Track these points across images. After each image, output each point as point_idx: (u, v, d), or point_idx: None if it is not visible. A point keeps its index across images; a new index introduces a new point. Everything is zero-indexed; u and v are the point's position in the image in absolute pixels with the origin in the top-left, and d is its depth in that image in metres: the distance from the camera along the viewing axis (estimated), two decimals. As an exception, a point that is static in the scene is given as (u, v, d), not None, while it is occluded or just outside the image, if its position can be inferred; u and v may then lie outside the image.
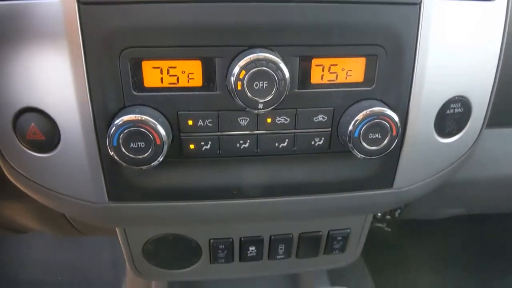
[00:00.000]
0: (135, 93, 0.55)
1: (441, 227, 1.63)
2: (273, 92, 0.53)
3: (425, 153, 0.65)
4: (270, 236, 0.86)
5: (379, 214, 1.03)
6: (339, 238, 0.88)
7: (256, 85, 0.52)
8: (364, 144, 0.57)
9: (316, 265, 0.94)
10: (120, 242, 0.84)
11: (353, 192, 0.67)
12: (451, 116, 0.63)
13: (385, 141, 0.58)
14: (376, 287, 1.41)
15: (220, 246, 0.85)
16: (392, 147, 0.58)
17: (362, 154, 0.58)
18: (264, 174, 0.64)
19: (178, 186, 0.63)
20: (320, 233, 0.87)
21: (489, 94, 0.65)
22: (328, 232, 0.87)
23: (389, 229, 1.14)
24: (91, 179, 0.60)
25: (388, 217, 1.02)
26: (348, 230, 0.88)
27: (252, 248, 0.86)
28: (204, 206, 0.65)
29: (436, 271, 1.64)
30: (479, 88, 0.64)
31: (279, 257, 0.89)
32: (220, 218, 0.72)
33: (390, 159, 0.64)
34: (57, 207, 0.68)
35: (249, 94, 0.53)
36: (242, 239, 0.85)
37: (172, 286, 1.24)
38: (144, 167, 0.56)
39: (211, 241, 0.84)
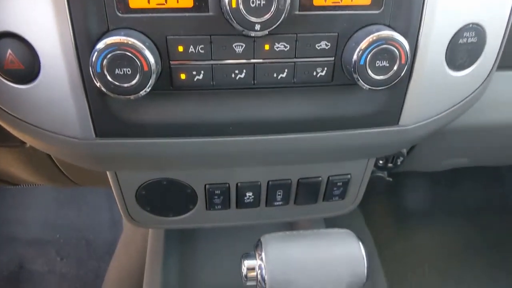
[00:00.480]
0: (119, 14, 0.50)
1: (444, 180, 1.62)
2: (271, 10, 0.48)
3: (434, 87, 0.61)
4: (268, 182, 0.82)
5: (381, 162, 1.00)
6: (339, 184, 0.85)
7: (253, 2, 0.48)
8: (371, 73, 0.53)
9: (315, 213, 0.92)
10: (112, 187, 0.81)
11: (357, 130, 0.63)
12: (464, 47, 0.59)
13: (393, 70, 0.53)
14: (374, 240, 1.41)
15: (216, 192, 0.82)
16: (401, 76, 0.54)
17: (368, 85, 0.54)
18: (261, 109, 0.60)
19: (169, 121, 0.59)
20: (320, 178, 0.84)
21: (506, 24, 0.60)
22: (328, 177, 0.84)
23: (390, 179, 1.12)
24: (76, 112, 0.56)
25: (390, 165, 0.99)
26: (349, 176, 0.85)
27: (249, 194, 0.83)
28: (196, 144, 0.62)
29: (438, 222, 1.64)
30: (496, 16, 0.59)
31: (277, 203, 0.86)
32: (213, 158, 0.68)
33: (397, 92, 0.60)
34: (42, 146, 0.64)
35: (244, 13, 0.48)
36: (239, 184, 0.82)
37: (169, 238, 1.22)
38: (131, 97, 0.52)
39: (207, 186, 0.81)
